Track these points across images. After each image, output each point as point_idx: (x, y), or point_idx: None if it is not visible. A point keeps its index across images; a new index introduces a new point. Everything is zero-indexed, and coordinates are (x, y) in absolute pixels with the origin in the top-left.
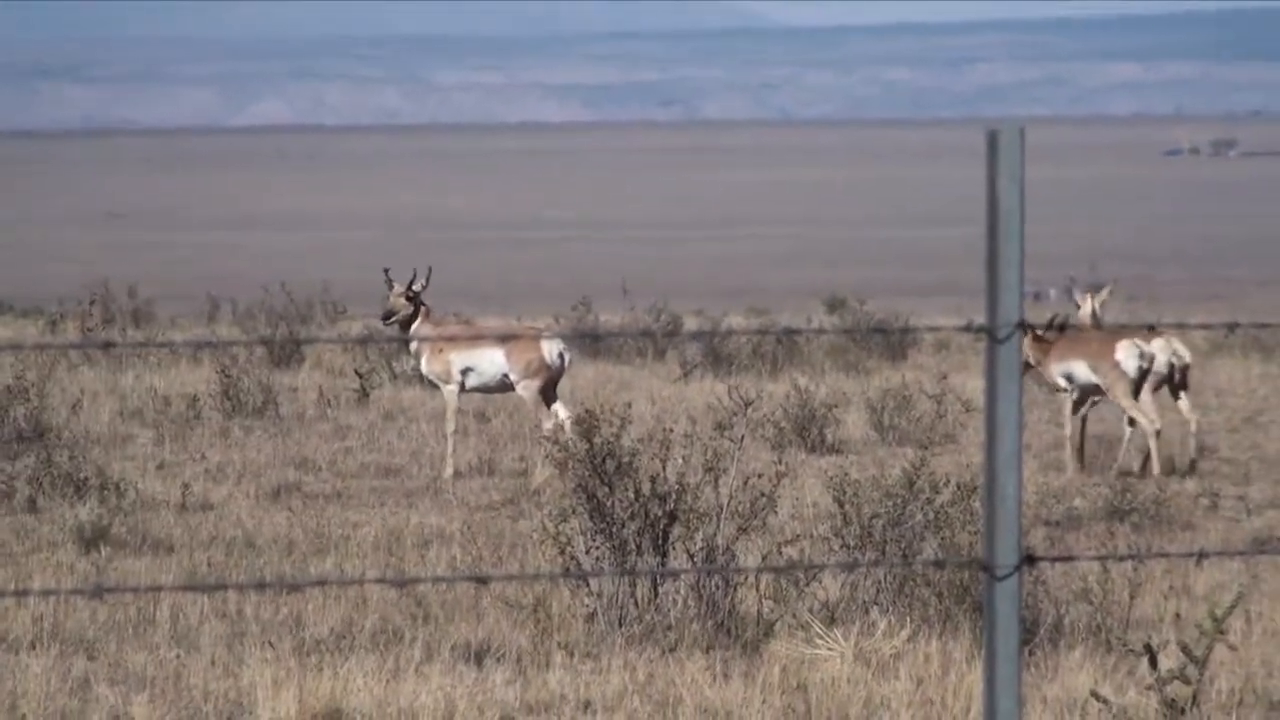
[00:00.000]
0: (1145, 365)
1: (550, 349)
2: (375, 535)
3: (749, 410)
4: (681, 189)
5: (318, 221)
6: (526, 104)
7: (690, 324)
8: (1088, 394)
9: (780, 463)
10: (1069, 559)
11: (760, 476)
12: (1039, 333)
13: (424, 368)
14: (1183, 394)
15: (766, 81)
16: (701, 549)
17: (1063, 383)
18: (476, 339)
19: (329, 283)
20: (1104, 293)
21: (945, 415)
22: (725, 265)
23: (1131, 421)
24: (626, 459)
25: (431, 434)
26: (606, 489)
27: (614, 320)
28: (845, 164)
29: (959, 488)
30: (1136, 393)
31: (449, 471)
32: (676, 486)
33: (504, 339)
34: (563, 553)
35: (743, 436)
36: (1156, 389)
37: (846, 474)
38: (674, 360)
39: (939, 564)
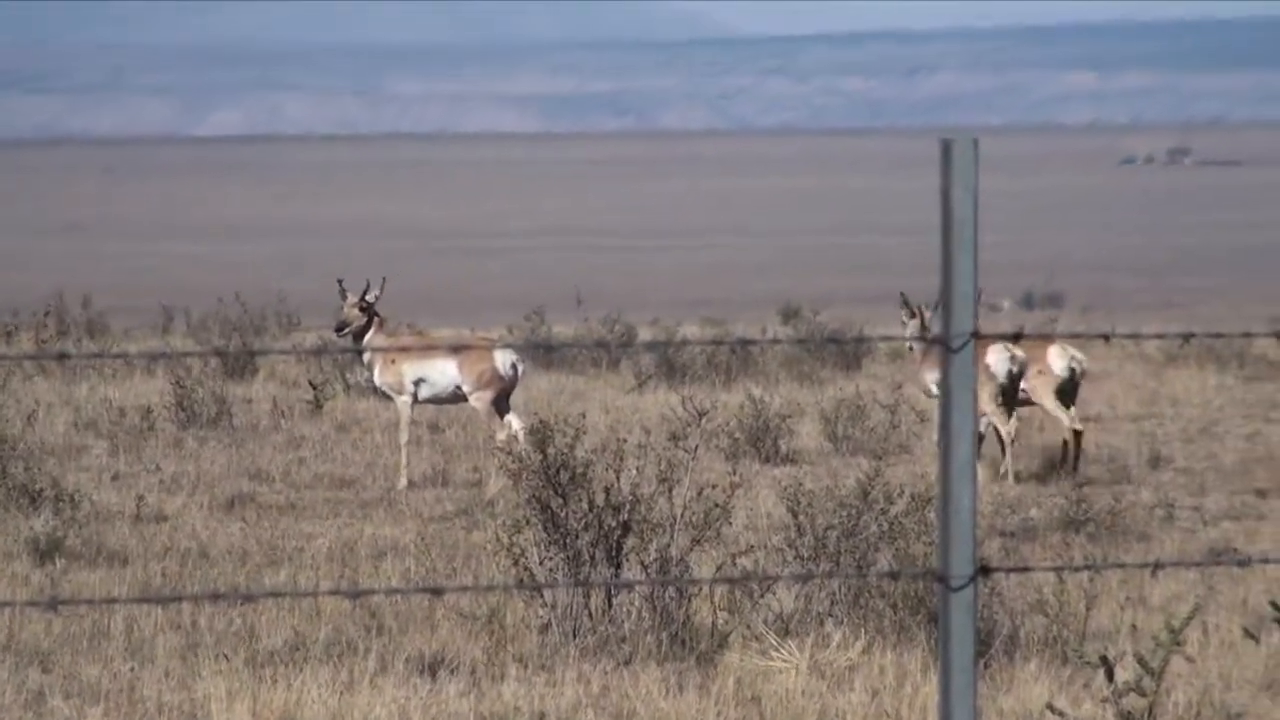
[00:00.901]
0: (1016, 370)
1: (503, 360)
2: (329, 546)
3: (703, 421)
4: (638, 199)
5: (275, 232)
6: (484, 114)
7: (645, 334)
8: None
9: (734, 473)
10: (1024, 569)
11: (714, 487)
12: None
13: (377, 379)
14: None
15: (723, 91)
16: (655, 560)
17: (934, 389)
18: (429, 350)
19: (285, 293)
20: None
21: (899, 425)
22: (680, 276)
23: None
24: (580, 470)
25: (385, 445)
26: (560, 500)
27: (568, 331)
28: (802, 173)
29: (913, 498)
30: (1009, 398)
31: (403, 482)
32: (630, 497)
33: (456, 350)
34: (517, 564)
35: (697, 447)
36: (1060, 394)
37: (801, 484)
38: (628, 371)
39: (894, 575)
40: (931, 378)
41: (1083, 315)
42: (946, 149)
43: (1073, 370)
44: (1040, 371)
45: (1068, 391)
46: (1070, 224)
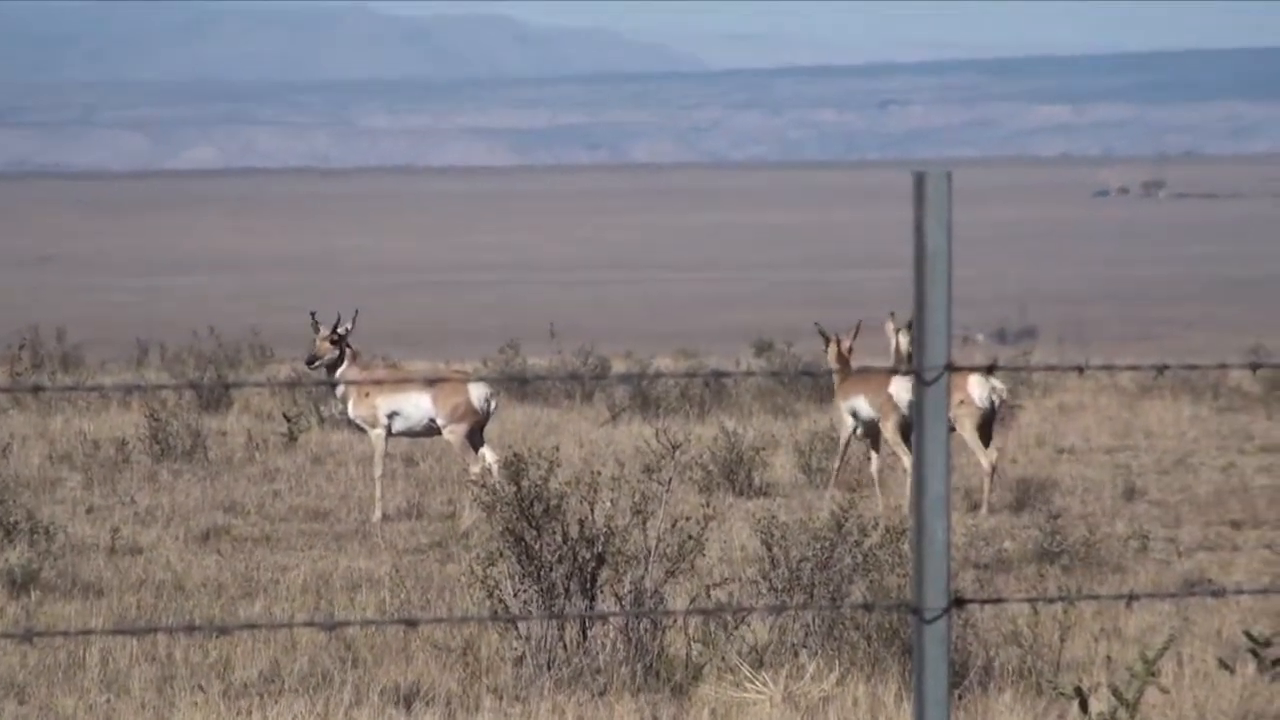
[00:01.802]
0: (996, 401)
1: (477, 393)
2: (304, 579)
3: (677, 453)
4: (610, 232)
5: (248, 265)
6: (454, 147)
7: (618, 367)
8: (871, 430)
9: (708, 505)
10: (998, 601)
11: (688, 519)
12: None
13: (350, 412)
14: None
15: (695, 124)
16: (630, 592)
17: (849, 418)
18: (403, 383)
19: (258, 326)
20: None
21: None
22: (653, 309)
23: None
24: (554, 502)
25: (360, 477)
26: (534, 532)
27: (542, 363)
28: (775, 207)
29: (888, 530)
30: (907, 430)
31: (377, 515)
32: (604, 529)
33: (430, 383)
34: (491, 596)
35: (670, 479)
36: (981, 427)
37: (774, 517)
38: (602, 403)
39: (867, 607)
40: (846, 406)
41: (1057, 347)
42: (920, 182)
43: (993, 402)
44: (962, 402)
45: (988, 423)
46: (1044, 256)
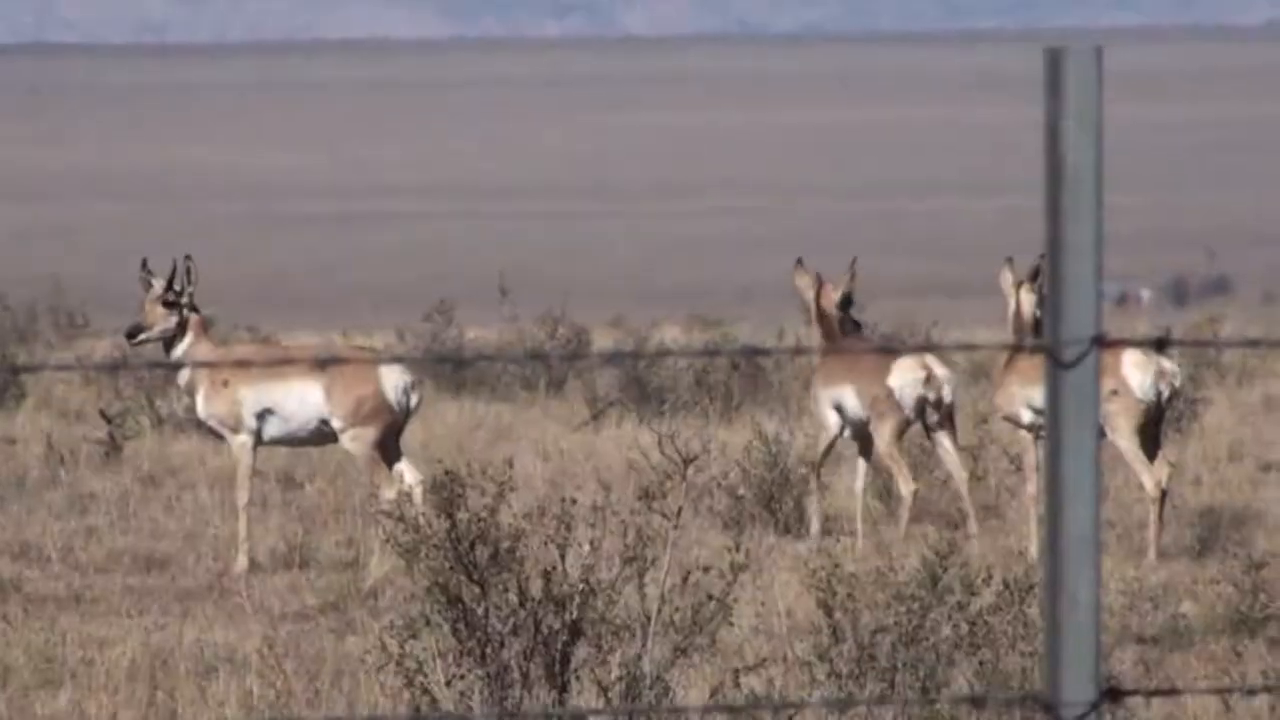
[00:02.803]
0: (1165, 392)
1: (390, 380)
2: (132, 658)
3: (690, 471)
4: (591, 140)
5: (47, 190)
6: (357, 11)
7: (602, 341)
8: (862, 433)
9: (738, 549)
10: (1172, 693)
11: (707, 570)
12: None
13: (201, 408)
14: (943, 434)
15: None
16: (620, 679)
17: (831, 416)
18: (280, 366)
19: (64, 281)
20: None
21: (985, 476)
22: (655, 254)
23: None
24: (507, 545)
25: (215, 507)
26: (477, 589)
27: (488, 337)
28: (833, 103)
29: (1005, 586)
30: (1151, 430)
31: (242, 563)
32: (581, 586)
33: (321, 366)
34: (411, 684)
35: (680, 510)
36: (1144, 431)
37: (837, 566)
38: (578, 395)
39: (976, 701)
40: (828, 398)
41: (1261, 311)
42: (1055, 63)
43: (1160, 393)
44: (1114, 393)
45: (1154, 426)
46: (1241, 175)
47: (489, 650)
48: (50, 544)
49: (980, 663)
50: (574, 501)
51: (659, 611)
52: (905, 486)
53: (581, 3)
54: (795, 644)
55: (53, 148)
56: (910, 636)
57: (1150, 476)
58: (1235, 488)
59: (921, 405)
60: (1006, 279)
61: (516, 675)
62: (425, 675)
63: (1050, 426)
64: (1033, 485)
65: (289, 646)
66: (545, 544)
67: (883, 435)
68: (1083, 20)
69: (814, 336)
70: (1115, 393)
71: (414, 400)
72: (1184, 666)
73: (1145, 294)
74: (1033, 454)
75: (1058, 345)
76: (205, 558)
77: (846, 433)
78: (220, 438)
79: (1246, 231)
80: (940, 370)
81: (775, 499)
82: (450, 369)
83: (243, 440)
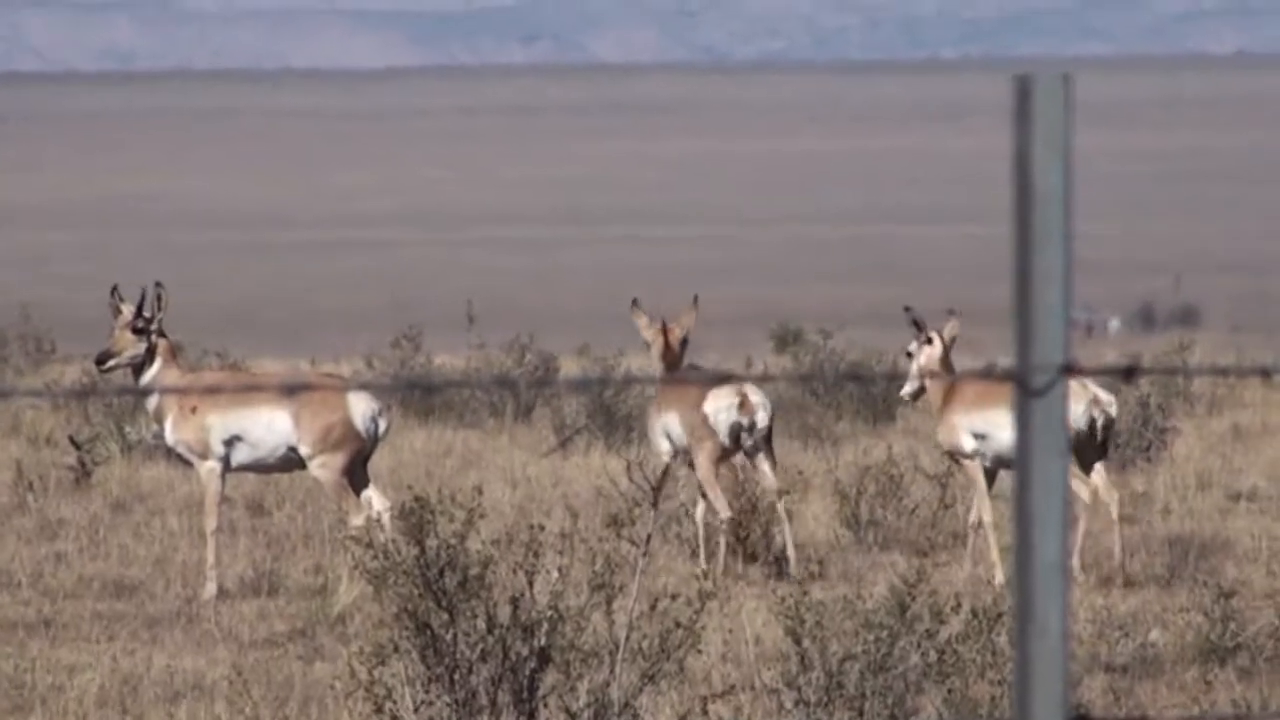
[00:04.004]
0: (1100, 420)
1: (359, 408)
2: (101, 684)
3: (660, 498)
4: (556, 168)
5: (16, 217)
6: (326, 39)
7: (570, 369)
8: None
9: (706, 577)
10: None
11: (676, 598)
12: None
13: (169, 436)
14: (760, 457)
15: (685, 5)
16: (588, 706)
17: (663, 443)
18: (248, 393)
19: (31, 307)
20: (953, 325)
21: (954, 505)
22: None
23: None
24: (475, 571)
25: (184, 533)
26: (445, 616)
27: (456, 363)
28: (801, 129)
29: (974, 614)
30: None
31: (210, 589)
32: (550, 613)
33: (290, 394)
34: (380, 710)
35: (649, 538)
36: (718, 458)
37: (805, 594)
38: (546, 422)
39: None
40: (659, 425)
41: (1229, 339)
42: (1024, 91)
43: (1093, 420)
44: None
45: (1090, 448)
46: (1208, 203)
47: (457, 676)
48: (20, 570)
49: (949, 690)
50: (542, 528)
51: (627, 638)
52: (723, 512)
53: (550, 30)
54: (763, 671)
55: (20, 174)
56: (879, 664)
57: (1086, 487)
58: (1204, 516)
59: (736, 431)
60: (946, 329)
61: (485, 702)
62: (394, 702)
63: (1019, 454)
64: (977, 512)
65: (257, 673)
66: (514, 571)
67: (700, 460)
68: (1050, 49)
69: (657, 369)
70: None
71: (382, 427)
72: (1154, 695)
73: (1113, 322)
74: (982, 480)
75: (1027, 373)
76: (174, 584)
77: (677, 459)
78: (189, 464)
79: (1215, 260)
80: (755, 397)
81: (744, 526)
82: (418, 395)
83: (211, 466)
